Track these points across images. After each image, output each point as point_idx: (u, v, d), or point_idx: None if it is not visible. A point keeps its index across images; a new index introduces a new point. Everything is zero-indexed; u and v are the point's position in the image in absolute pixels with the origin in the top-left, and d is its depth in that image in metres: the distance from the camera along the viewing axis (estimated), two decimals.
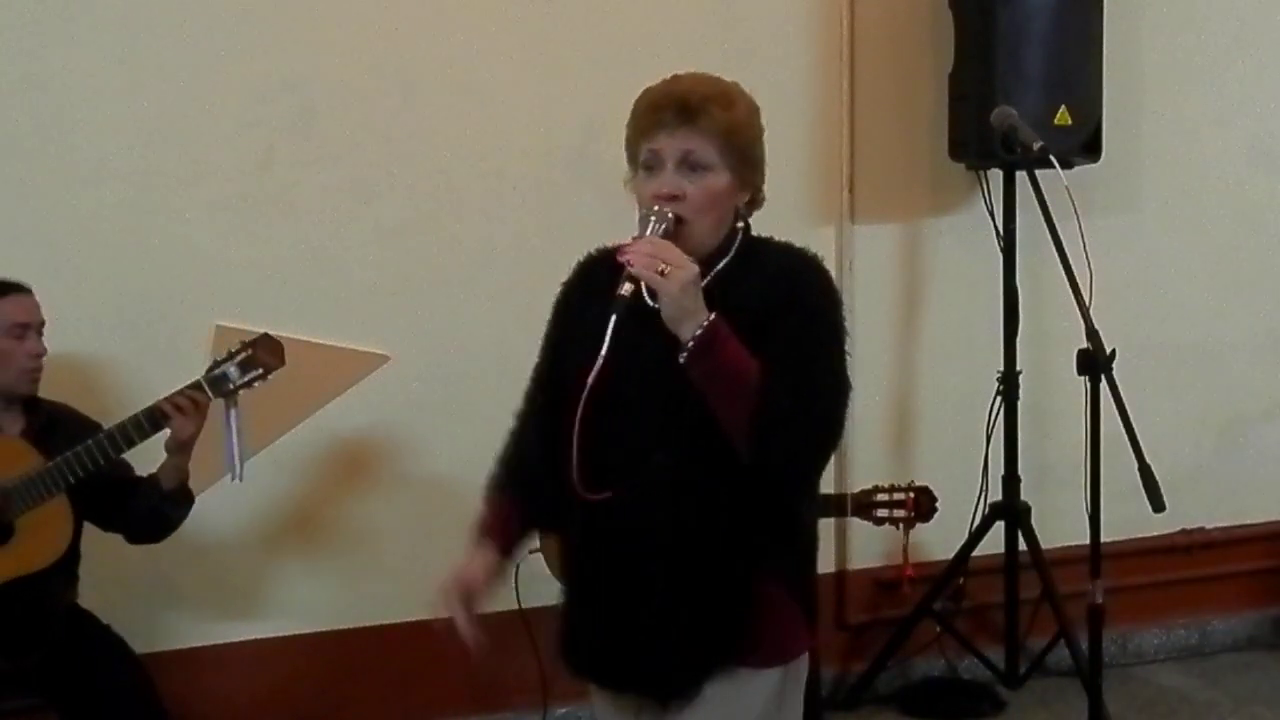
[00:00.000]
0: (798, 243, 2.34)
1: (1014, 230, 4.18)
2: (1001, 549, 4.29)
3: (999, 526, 4.26)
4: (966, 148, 4.13)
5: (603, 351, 2.11)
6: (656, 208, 2.20)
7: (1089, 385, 3.14)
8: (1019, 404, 4.24)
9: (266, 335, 3.31)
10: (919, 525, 3.97)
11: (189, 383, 3.24)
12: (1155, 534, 4.37)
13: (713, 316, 2.12)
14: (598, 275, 2.32)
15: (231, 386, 3.26)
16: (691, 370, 2.12)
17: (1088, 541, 3.28)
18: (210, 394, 3.24)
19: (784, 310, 2.19)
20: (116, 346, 3.72)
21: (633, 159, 2.28)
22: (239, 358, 3.26)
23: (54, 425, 3.33)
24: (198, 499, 3.42)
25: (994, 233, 4.24)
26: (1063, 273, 3.18)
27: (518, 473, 2.40)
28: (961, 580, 4.32)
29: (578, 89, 3.96)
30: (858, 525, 4.11)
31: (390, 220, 3.93)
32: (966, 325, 4.36)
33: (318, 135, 3.85)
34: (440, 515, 3.62)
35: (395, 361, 3.93)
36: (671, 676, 2.24)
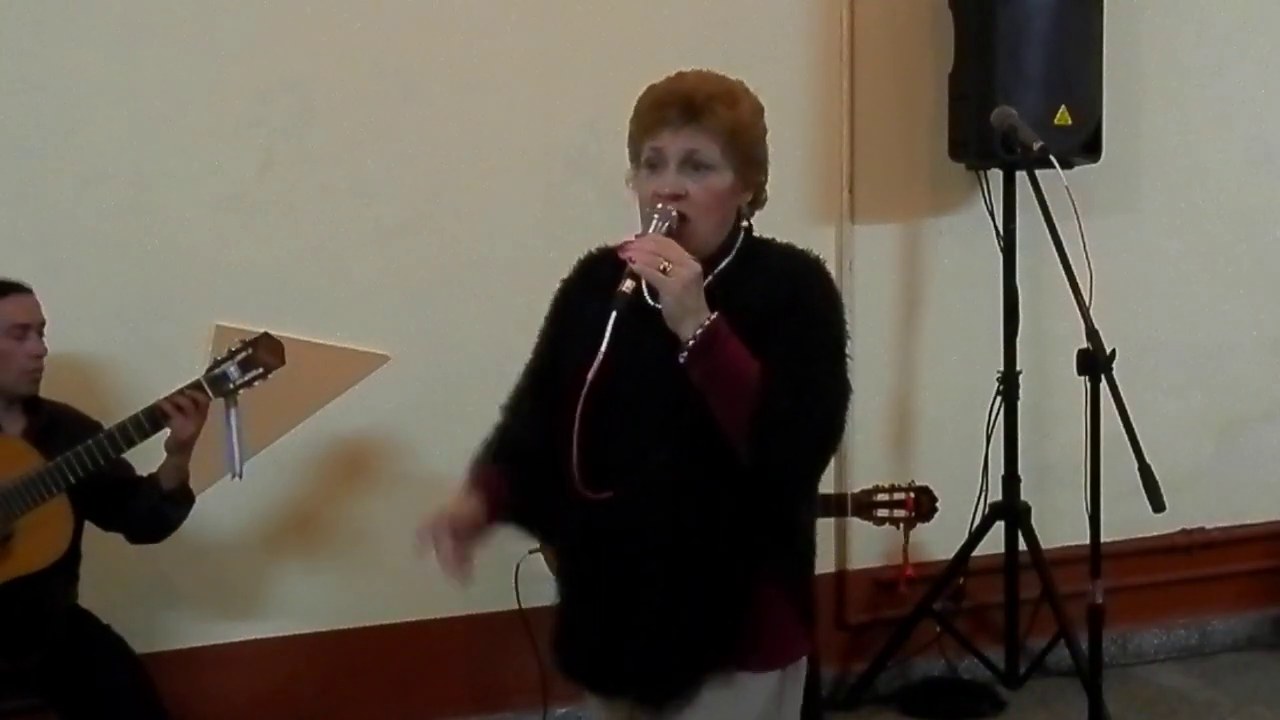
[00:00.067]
0: (798, 243, 2.34)
1: (1014, 230, 4.18)
2: (1001, 549, 4.29)
3: (999, 526, 4.26)
4: (966, 148, 4.13)
5: (603, 348, 2.10)
6: (660, 206, 2.19)
7: (1089, 385, 3.14)
8: (1019, 404, 4.24)
9: (266, 334, 3.31)
10: (919, 525, 3.98)
11: (189, 382, 3.24)
12: (1155, 534, 4.38)
13: (714, 316, 2.12)
14: (599, 272, 2.31)
15: (232, 386, 3.26)
16: (692, 370, 2.12)
17: (1088, 541, 3.28)
18: (210, 393, 3.24)
19: (785, 312, 2.19)
20: (116, 346, 3.72)
21: (635, 157, 2.27)
22: (239, 357, 3.26)
23: (55, 425, 3.33)
24: (198, 499, 3.42)
25: (994, 233, 4.24)
26: (1063, 273, 3.18)
27: (503, 450, 2.37)
28: (961, 580, 4.33)
29: (578, 89, 3.96)
30: (858, 525, 4.11)
31: (390, 220, 3.93)
32: (966, 325, 4.36)
33: (318, 135, 3.85)
34: None
35: (395, 361, 3.93)
36: (670, 677, 2.23)
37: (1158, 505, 2.93)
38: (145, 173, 3.74)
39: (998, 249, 4.21)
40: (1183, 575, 4.66)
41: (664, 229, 2.17)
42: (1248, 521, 4.72)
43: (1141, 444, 2.95)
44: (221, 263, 3.79)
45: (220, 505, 3.70)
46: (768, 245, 2.32)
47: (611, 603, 2.25)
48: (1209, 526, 4.68)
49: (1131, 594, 4.44)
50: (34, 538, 3.19)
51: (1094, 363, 3.10)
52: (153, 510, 3.33)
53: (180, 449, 3.27)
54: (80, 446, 3.16)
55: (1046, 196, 3.29)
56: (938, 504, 3.96)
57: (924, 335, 4.41)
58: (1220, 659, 4.65)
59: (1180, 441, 4.51)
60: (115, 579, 3.61)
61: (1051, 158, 3.34)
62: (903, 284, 4.38)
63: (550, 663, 2.42)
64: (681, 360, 2.12)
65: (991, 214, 4.26)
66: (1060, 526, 4.23)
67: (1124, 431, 2.95)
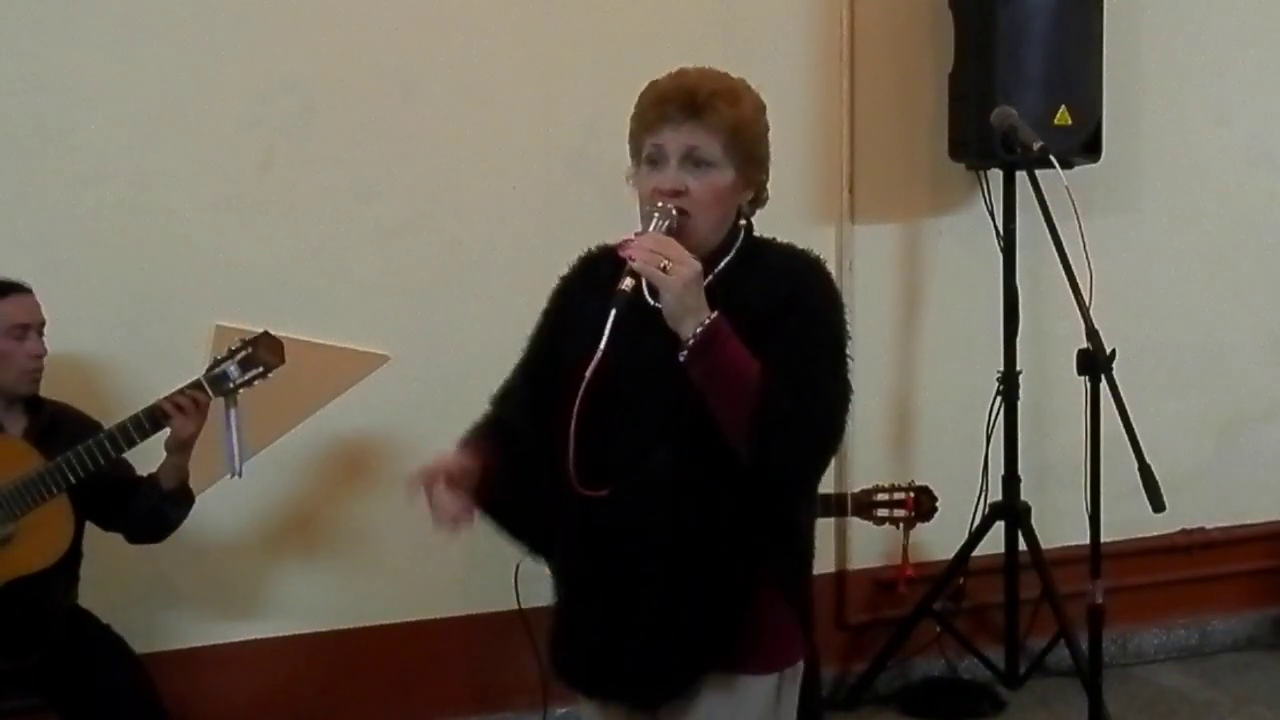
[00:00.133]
0: (798, 243, 2.33)
1: (1014, 230, 4.18)
2: (1001, 549, 4.29)
3: (999, 526, 4.26)
4: (966, 148, 4.13)
5: (601, 345, 2.09)
6: (660, 204, 2.18)
7: (1089, 385, 3.13)
8: (1019, 404, 4.24)
9: (266, 334, 3.31)
10: (919, 525, 3.99)
11: (189, 382, 3.24)
12: (1155, 534, 4.38)
13: (714, 315, 2.11)
14: (599, 270, 2.30)
15: (232, 385, 3.26)
16: (691, 368, 2.11)
17: (1088, 541, 3.28)
18: (210, 393, 3.24)
19: (786, 311, 2.18)
20: (116, 346, 3.72)
21: (635, 153, 2.26)
22: (239, 356, 3.26)
23: (56, 425, 3.33)
24: (198, 499, 3.42)
25: (994, 233, 4.24)
26: (1063, 273, 3.18)
27: (492, 431, 2.33)
28: (961, 580, 4.32)
29: (578, 89, 3.96)
30: (858, 525, 4.12)
31: (390, 220, 3.93)
32: (966, 325, 4.36)
33: (318, 135, 3.85)
34: None
35: (395, 361, 3.93)
36: (668, 677, 2.22)
37: (1158, 505, 2.93)
38: (145, 173, 3.74)
39: (998, 249, 4.21)
40: (1183, 575, 4.66)
41: (664, 227, 2.16)
42: (1248, 521, 4.72)
43: (1141, 444, 2.95)
44: (221, 263, 3.79)
45: (220, 505, 3.70)
46: (768, 245, 2.32)
47: (610, 603, 2.24)
48: (1209, 526, 4.68)
49: (1131, 594, 4.44)
50: (34, 538, 3.19)
51: (1094, 363, 3.10)
52: (153, 510, 3.33)
53: (180, 449, 3.27)
54: (80, 446, 3.16)
55: (1046, 196, 3.29)
56: (938, 504, 3.97)
57: (924, 335, 4.41)
58: (1220, 659, 4.65)
59: (1180, 441, 4.51)
60: (115, 579, 3.61)
61: (1051, 158, 3.34)
62: (903, 284, 4.38)
63: (548, 664, 2.41)
64: (681, 359, 2.11)
65: (991, 214, 4.26)
66: (1060, 526, 4.23)
67: (1124, 431, 2.95)
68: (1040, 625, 4.29)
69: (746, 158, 2.24)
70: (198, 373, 3.27)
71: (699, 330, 2.10)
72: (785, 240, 2.35)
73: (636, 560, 2.21)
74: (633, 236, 2.19)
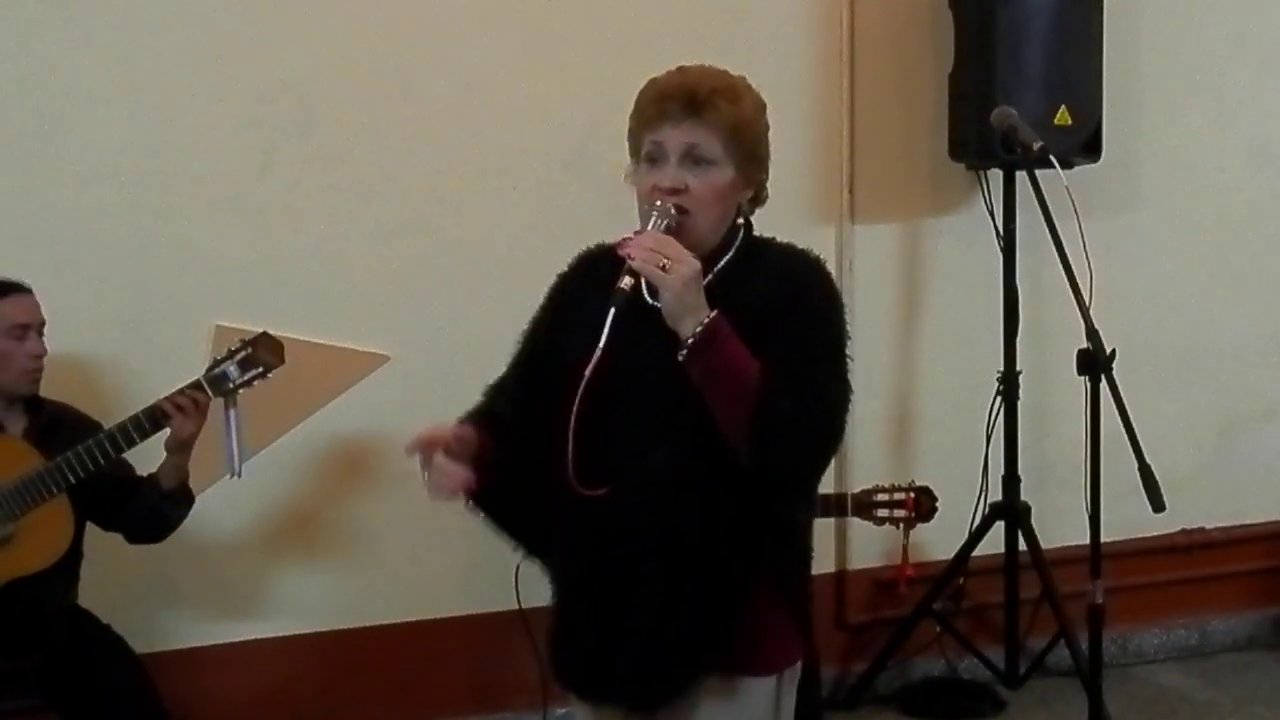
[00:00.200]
0: (798, 243, 2.33)
1: (1014, 230, 4.18)
2: (1001, 549, 4.29)
3: (999, 526, 4.26)
4: (966, 148, 4.13)
5: (600, 345, 2.08)
6: (659, 202, 2.17)
7: (1089, 385, 3.13)
8: (1019, 404, 4.24)
9: (266, 334, 3.31)
10: (919, 525, 3.98)
11: (189, 382, 3.24)
12: (1155, 534, 4.37)
13: (714, 314, 2.11)
14: (597, 269, 2.29)
15: (231, 385, 3.26)
16: (691, 368, 2.11)
17: (1088, 541, 3.27)
18: (210, 393, 3.25)
19: (786, 311, 2.18)
20: (116, 346, 3.72)
21: (634, 151, 2.26)
22: (239, 356, 3.26)
23: (56, 425, 3.33)
24: (198, 499, 3.42)
25: (994, 233, 4.24)
26: (1063, 273, 3.18)
27: (483, 420, 2.31)
28: (961, 580, 4.32)
29: (578, 89, 3.96)
30: (858, 525, 4.12)
31: (390, 220, 3.92)
32: (966, 325, 4.36)
33: (318, 135, 3.85)
34: (440, 515, 3.60)
35: (395, 361, 3.93)
36: (666, 678, 2.21)
37: (1158, 505, 2.93)
38: (145, 173, 3.74)
39: (998, 249, 4.21)
40: (1183, 575, 4.66)
41: (663, 226, 2.16)
42: (1248, 521, 4.72)
43: (1141, 444, 2.95)
44: (221, 263, 3.79)
45: (220, 505, 3.70)
46: (767, 244, 2.32)
47: (607, 603, 2.23)
48: (1209, 526, 4.68)
49: (1131, 594, 4.44)
50: (34, 538, 3.19)
51: (1094, 363, 3.10)
52: (153, 510, 3.33)
53: (180, 449, 3.27)
54: (80, 446, 3.16)
55: (1046, 196, 3.29)
56: (938, 504, 3.97)
57: (924, 335, 4.40)
58: (1220, 659, 4.65)
59: (1180, 441, 4.51)
60: (115, 579, 3.61)
61: (1051, 158, 3.34)
62: (903, 284, 4.38)
63: (547, 666, 2.41)
64: (681, 358, 2.11)
65: (991, 214, 4.26)
66: (1060, 526, 4.23)
67: (1124, 431, 2.95)
68: (1040, 625, 4.29)
69: (746, 156, 2.23)
70: (198, 373, 3.27)
71: (698, 329, 2.09)
72: (785, 240, 2.34)
73: (634, 560, 2.20)
74: (631, 235, 2.18)
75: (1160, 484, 2.92)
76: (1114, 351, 3.09)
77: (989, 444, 4.27)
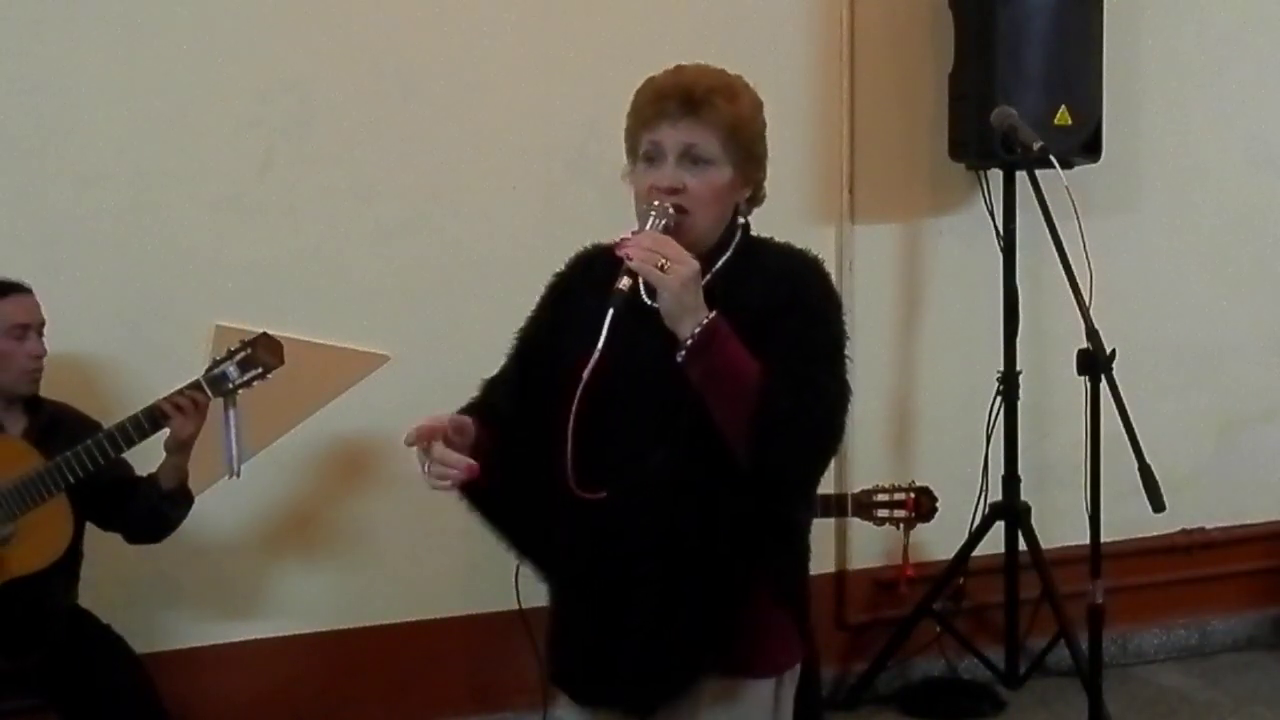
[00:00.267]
0: (798, 243, 2.32)
1: (1014, 230, 4.18)
2: (1001, 549, 4.29)
3: (999, 526, 4.26)
4: (966, 148, 4.13)
5: (599, 345, 2.07)
6: (657, 203, 2.17)
7: (1089, 385, 3.13)
8: (1019, 404, 4.24)
9: (266, 334, 3.31)
10: (919, 525, 3.98)
11: (189, 382, 3.25)
12: (1155, 534, 4.38)
13: (713, 315, 2.10)
14: (595, 269, 2.29)
15: (231, 385, 3.26)
16: (690, 369, 2.10)
17: (1088, 541, 3.27)
18: (210, 393, 3.25)
19: (785, 312, 2.17)
20: (116, 346, 3.72)
21: (632, 150, 2.25)
22: (238, 356, 3.27)
23: (55, 425, 3.33)
24: (198, 499, 3.42)
25: (994, 233, 4.24)
26: (1063, 273, 3.18)
27: (478, 413, 2.29)
28: (961, 580, 4.32)
29: (578, 89, 3.96)
30: (858, 525, 4.12)
31: (390, 220, 3.93)
32: (966, 325, 4.36)
33: (318, 135, 3.85)
34: (440, 515, 3.61)
35: (395, 361, 3.93)
36: (665, 679, 2.20)
37: (1158, 505, 2.93)
38: (145, 173, 3.74)
39: (998, 249, 4.21)
40: (1183, 575, 4.66)
41: (661, 226, 2.15)
42: (1248, 521, 4.72)
43: (1141, 444, 2.95)
44: (221, 263, 3.79)
45: (220, 505, 3.70)
46: (766, 244, 2.31)
47: (606, 604, 2.22)
48: (1209, 526, 4.68)
49: (1131, 594, 4.44)
50: (34, 538, 3.19)
51: (1094, 363, 3.10)
52: (152, 510, 3.33)
53: (180, 449, 3.27)
54: (80, 446, 3.16)
55: (1046, 196, 3.29)
56: (938, 504, 3.96)
57: (924, 335, 4.40)
58: (1220, 659, 4.65)
59: (1180, 441, 4.51)
60: (115, 579, 3.61)
61: (1051, 158, 3.34)
62: (903, 284, 4.38)
63: (545, 666, 2.40)
64: (679, 359, 2.10)
65: (991, 214, 4.26)
66: (1060, 526, 4.23)
67: (1124, 431, 2.95)
68: (1040, 625, 4.29)
69: (744, 155, 2.22)
70: (197, 373, 3.27)
71: (697, 330, 2.08)
72: (785, 240, 2.34)
73: (633, 561, 2.19)
74: (629, 235, 2.17)
75: (1160, 484, 2.92)
76: (1114, 351, 3.09)
77: (989, 444, 4.27)
